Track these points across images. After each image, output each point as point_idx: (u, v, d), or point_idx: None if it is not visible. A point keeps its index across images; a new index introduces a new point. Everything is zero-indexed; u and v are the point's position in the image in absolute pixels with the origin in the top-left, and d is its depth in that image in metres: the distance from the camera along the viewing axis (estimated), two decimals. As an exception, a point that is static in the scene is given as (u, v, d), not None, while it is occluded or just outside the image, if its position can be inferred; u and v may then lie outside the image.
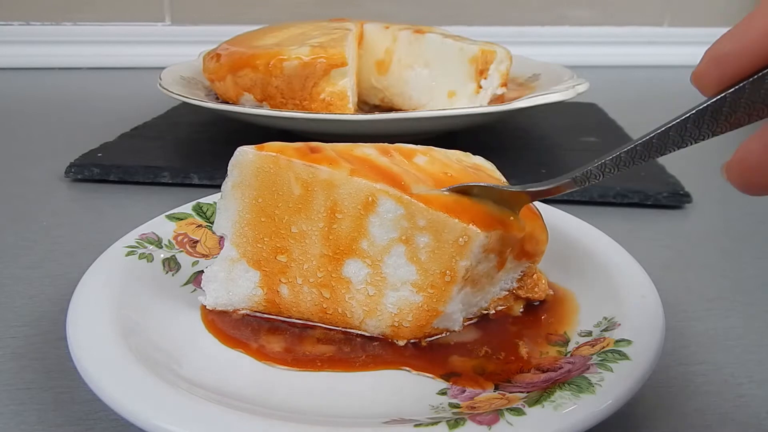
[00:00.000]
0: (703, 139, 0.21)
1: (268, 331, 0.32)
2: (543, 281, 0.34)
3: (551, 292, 0.34)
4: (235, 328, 0.32)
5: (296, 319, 0.33)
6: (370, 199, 0.29)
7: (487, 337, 0.32)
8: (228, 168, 0.31)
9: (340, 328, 0.32)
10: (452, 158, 0.34)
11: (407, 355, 0.31)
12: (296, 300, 0.32)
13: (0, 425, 0.28)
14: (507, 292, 0.33)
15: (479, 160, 0.36)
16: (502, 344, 0.31)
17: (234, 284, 0.33)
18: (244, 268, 0.33)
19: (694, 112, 0.21)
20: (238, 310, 0.33)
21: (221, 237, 0.33)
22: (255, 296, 0.33)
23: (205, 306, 0.33)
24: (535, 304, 0.34)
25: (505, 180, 0.35)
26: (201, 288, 0.34)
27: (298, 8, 1.11)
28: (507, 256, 0.32)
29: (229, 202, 0.32)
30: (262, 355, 0.30)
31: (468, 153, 0.36)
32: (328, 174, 0.30)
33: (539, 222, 0.33)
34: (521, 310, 0.34)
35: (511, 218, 0.30)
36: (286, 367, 0.29)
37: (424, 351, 0.31)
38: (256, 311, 0.33)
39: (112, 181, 0.56)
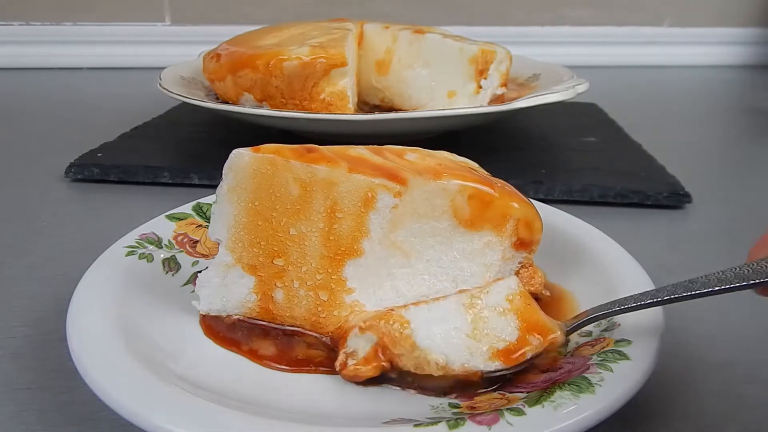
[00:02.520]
0: None
1: (259, 336, 0.32)
2: (539, 273, 0.34)
3: (547, 293, 0.34)
4: (230, 331, 0.32)
5: (288, 326, 0.32)
6: (369, 195, 0.29)
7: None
8: (223, 171, 0.31)
9: (329, 337, 0.32)
10: (440, 156, 0.35)
11: None
12: (290, 305, 0.32)
13: (0, 425, 0.28)
14: None
15: (465, 160, 0.36)
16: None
17: (228, 290, 0.32)
18: (238, 273, 0.32)
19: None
20: (231, 315, 0.33)
21: (216, 242, 0.33)
22: (249, 302, 0.32)
23: (199, 311, 0.33)
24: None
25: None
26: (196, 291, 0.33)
27: (298, 8, 1.11)
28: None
29: (224, 207, 0.31)
30: (258, 357, 0.30)
31: (453, 153, 0.36)
32: (327, 172, 0.30)
33: (532, 209, 0.32)
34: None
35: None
36: (284, 367, 0.30)
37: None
38: (248, 317, 0.33)
39: (112, 181, 0.56)
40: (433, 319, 0.29)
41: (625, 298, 0.29)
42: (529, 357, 0.28)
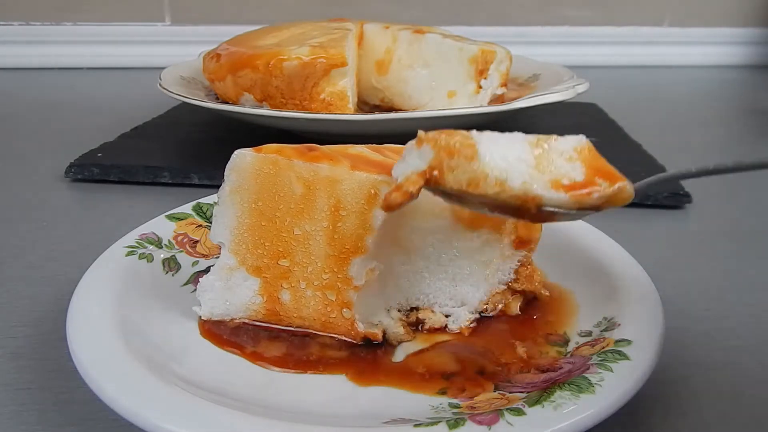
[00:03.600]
0: None
1: (265, 339, 0.32)
2: (538, 272, 0.34)
3: (546, 293, 0.34)
4: (233, 334, 0.32)
5: (297, 327, 0.32)
6: (372, 191, 0.29)
7: (486, 337, 0.32)
8: (225, 172, 0.31)
9: (342, 337, 0.32)
10: None
11: (406, 370, 0.30)
12: (297, 306, 0.32)
13: (0, 425, 0.28)
14: (504, 286, 0.33)
15: None
16: (502, 344, 0.31)
17: (232, 293, 0.32)
18: (243, 276, 0.32)
19: None
20: (235, 319, 0.33)
21: (218, 245, 0.32)
22: (254, 304, 0.32)
23: (201, 317, 0.33)
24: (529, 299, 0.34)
25: None
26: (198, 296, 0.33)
27: (298, 8, 1.11)
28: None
29: (226, 208, 0.31)
30: (261, 358, 0.30)
31: None
32: (330, 170, 0.30)
33: None
34: (518, 307, 0.34)
35: None
36: (285, 369, 0.29)
37: (422, 355, 0.31)
38: (254, 320, 0.33)
39: (112, 181, 0.56)
40: (498, 143, 0.26)
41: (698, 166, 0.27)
42: (595, 197, 0.25)
